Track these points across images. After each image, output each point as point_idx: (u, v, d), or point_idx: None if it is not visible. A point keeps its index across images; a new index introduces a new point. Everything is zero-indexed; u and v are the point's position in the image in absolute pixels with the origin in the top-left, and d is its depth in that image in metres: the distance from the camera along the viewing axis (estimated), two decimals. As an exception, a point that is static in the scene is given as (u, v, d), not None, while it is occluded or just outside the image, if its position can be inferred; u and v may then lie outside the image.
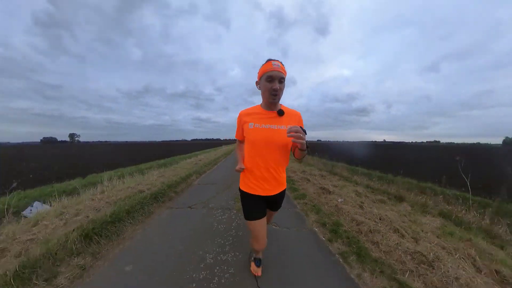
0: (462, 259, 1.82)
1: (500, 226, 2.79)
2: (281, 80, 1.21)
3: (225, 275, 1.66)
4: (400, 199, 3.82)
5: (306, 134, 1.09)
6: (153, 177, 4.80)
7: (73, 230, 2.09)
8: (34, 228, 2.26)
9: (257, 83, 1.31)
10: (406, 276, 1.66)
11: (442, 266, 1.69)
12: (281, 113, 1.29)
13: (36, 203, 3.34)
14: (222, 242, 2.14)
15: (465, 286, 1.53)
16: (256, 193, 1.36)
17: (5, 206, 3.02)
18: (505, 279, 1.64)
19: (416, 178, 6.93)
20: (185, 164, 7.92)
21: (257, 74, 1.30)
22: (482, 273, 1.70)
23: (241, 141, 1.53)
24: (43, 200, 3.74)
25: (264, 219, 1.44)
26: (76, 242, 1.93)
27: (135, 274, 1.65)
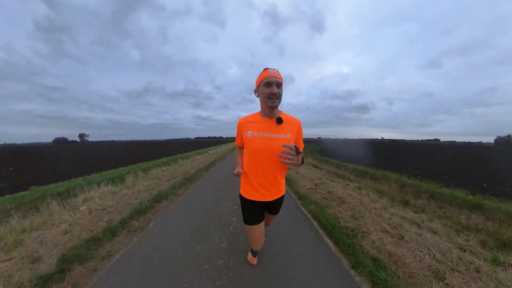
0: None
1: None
2: (279, 85, 1.26)
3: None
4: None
5: (299, 153, 1.16)
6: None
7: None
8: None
9: (255, 91, 1.36)
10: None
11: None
12: (280, 121, 1.31)
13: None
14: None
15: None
16: (255, 199, 1.42)
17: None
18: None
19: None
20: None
21: (255, 84, 1.36)
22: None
23: (241, 148, 1.60)
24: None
25: (261, 224, 1.54)
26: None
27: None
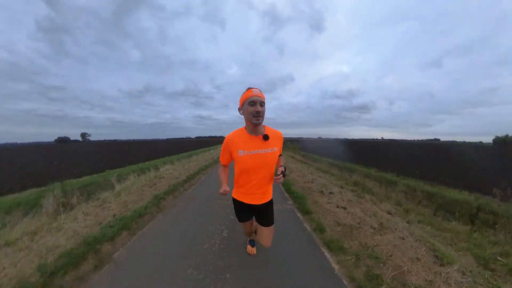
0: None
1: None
2: (262, 103, 1.38)
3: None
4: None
5: (285, 175, 1.53)
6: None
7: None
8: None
9: (239, 109, 1.48)
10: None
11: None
12: (266, 137, 1.46)
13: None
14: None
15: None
16: (245, 202, 1.63)
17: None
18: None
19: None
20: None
21: (239, 102, 1.47)
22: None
23: (225, 166, 1.70)
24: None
25: (251, 220, 1.82)
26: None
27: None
